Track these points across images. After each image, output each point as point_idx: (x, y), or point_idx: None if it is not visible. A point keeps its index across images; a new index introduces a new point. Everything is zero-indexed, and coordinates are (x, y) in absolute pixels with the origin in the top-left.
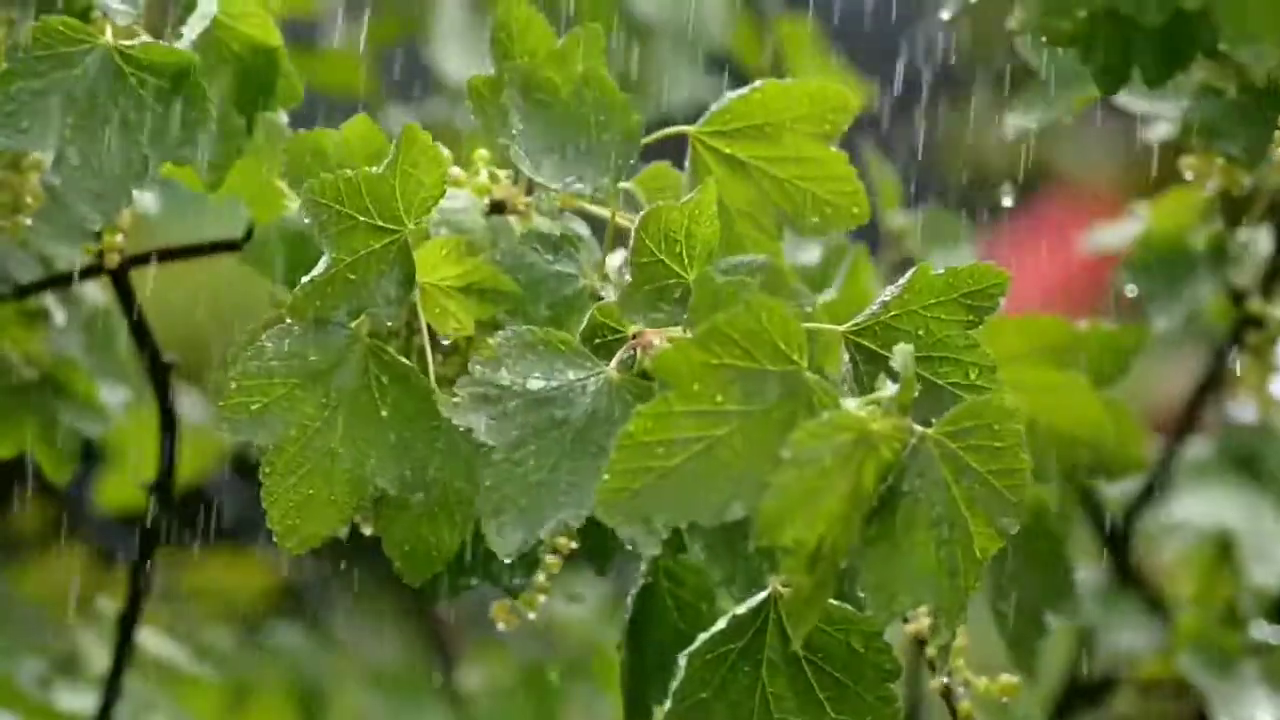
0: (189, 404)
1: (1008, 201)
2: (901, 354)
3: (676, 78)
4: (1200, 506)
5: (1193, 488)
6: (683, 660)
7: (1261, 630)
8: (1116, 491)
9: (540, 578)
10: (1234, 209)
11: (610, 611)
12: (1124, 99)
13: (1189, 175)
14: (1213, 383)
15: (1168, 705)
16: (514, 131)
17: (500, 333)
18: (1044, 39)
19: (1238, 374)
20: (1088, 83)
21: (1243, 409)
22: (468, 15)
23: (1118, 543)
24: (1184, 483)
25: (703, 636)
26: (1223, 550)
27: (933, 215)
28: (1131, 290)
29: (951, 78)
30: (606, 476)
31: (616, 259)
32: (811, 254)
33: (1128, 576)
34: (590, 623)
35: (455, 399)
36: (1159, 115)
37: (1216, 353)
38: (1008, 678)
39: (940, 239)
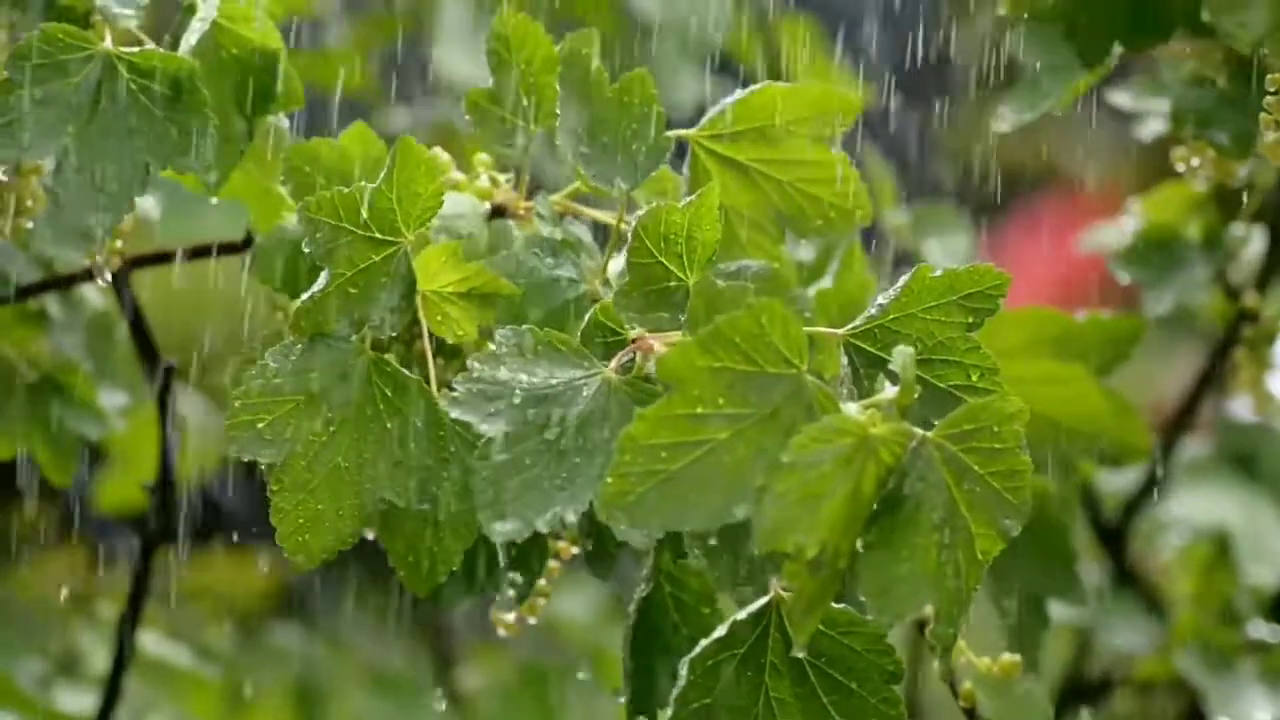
0: (189, 405)
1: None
2: (901, 356)
3: (676, 79)
4: (1198, 505)
5: (1190, 486)
6: (684, 667)
7: (1259, 629)
8: (1114, 490)
9: (541, 583)
10: (1228, 202)
11: (610, 613)
12: (1117, 96)
13: (1179, 167)
14: (1210, 381)
15: (1166, 704)
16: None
17: (500, 331)
18: (1027, 16)
19: (1234, 371)
20: (1078, 74)
21: (1240, 407)
22: (469, 15)
23: (1116, 542)
24: (1182, 481)
25: (704, 642)
26: (1220, 549)
27: (929, 210)
28: (1124, 278)
29: (951, 76)
30: (609, 479)
31: (618, 264)
32: (806, 252)
33: (1126, 575)
34: (590, 624)
35: (454, 393)
36: (1151, 112)
37: (1213, 351)
38: (1009, 657)
39: (937, 232)
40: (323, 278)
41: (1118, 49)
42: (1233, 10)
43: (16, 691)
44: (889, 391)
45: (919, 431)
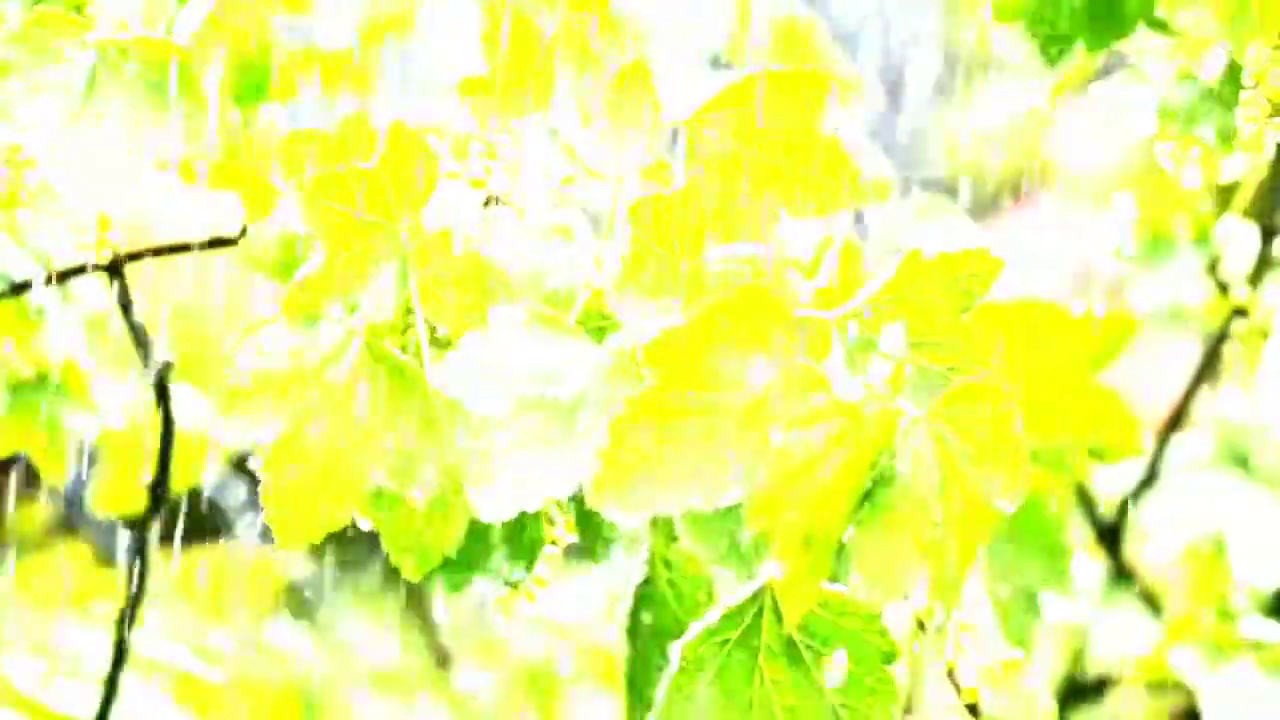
0: (188, 403)
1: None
2: (892, 336)
3: (674, 78)
4: (1194, 503)
5: (1187, 484)
6: (677, 649)
7: (1255, 626)
8: (1111, 488)
9: (540, 570)
10: (1219, 198)
11: (610, 612)
12: (1103, 91)
13: (1167, 164)
14: (1204, 378)
15: (1163, 702)
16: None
17: (495, 309)
18: (995, 14)
19: (1228, 367)
20: (1057, 71)
21: (1236, 405)
22: (467, 14)
23: (1112, 539)
24: (1178, 479)
25: (697, 625)
26: (1217, 547)
27: (926, 204)
28: (1115, 271)
29: (948, 72)
30: (600, 466)
31: (613, 250)
32: (803, 247)
33: (1123, 573)
34: (590, 623)
35: (447, 372)
36: (1138, 108)
37: (1208, 349)
38: (1011, 655)
39: (935, 226)
40: (316, 258)
41: (1080, 47)
42: (1184, 5)
43: (16, 691)
44: (881, 371)
45: (911, 410)
